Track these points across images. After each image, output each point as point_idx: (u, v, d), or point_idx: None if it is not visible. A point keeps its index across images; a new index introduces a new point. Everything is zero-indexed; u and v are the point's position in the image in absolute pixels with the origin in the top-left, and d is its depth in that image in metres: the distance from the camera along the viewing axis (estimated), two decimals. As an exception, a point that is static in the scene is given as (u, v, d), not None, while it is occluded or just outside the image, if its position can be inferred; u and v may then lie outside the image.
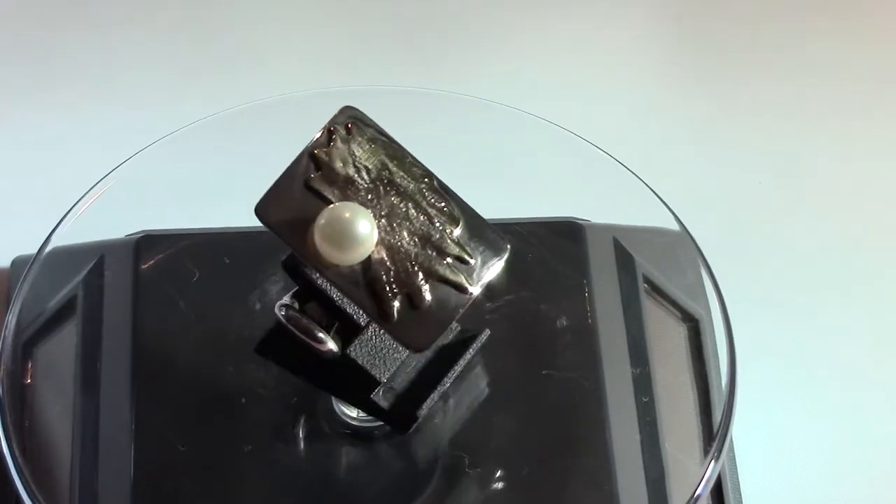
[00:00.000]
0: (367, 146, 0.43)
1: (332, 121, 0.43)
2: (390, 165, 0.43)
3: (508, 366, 0.50)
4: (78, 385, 0.50)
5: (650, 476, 0.48)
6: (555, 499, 0.48)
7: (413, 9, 0.71)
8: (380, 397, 0.46)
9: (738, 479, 0.53)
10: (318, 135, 0.43)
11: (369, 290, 0.42)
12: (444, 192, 0.44)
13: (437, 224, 0.43)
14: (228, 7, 0.71)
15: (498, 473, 0.48)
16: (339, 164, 0.43)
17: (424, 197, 0.43)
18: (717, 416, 0.49)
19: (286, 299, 0.44)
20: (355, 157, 0.43)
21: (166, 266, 0.53)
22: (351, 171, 0.43)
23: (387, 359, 0.45)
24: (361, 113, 0.44)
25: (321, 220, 0.42)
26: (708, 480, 0.47)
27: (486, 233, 0.44)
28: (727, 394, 0.48)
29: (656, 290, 0.53)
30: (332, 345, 0.44)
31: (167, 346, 0.51)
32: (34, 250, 0.52)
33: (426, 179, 0.44)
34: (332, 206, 0.42)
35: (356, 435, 0.49)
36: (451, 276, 0.43)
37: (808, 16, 0.71)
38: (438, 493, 0.48)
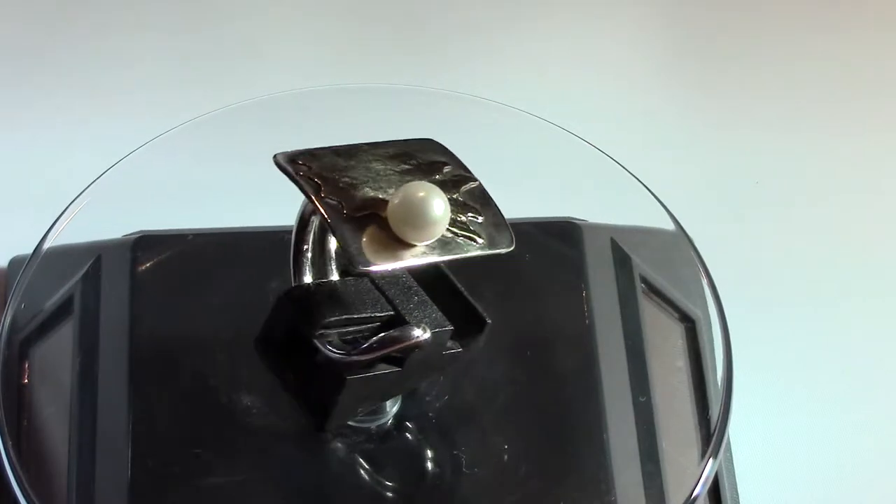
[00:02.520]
0: (325, 161, 0.44)
1: (299, 179, 0.43)
2: (348, 156, 0.44)
3: (505, 365, 0.50)
4: (75, 385, 0.50)
5: (647, 476, 0.48)
6: (552, 498, 0.48)
7: (413, 8, 0.71)
8: (452, 344, 0.47)
9: (734, 478, 0.53)
10: (306, 188, 0.43)
11: (465, 238, 0.44)
12: (382, 143, 0.45)
13: (413, 162, 0.45)
14: (227, 5, 0.71)
15: (495, 473, 0.48)
16: (339, 187, 0.43)
17: (386, 154, 0.45)
18: (715, 415, 0.49)
19: (331, 347, 0.45)
20: (332, 173, 0.44)
21: (164, 266, 0.53)
22: (347, 180, 0.43)
23: (435, 314, 0.46)
24: (286, 152, 0.44)
25: (395, 199, 0.43)
26: (706, 480, 0.47)
27: (422, 144, 0.46)
28: (724, 393, 0.48)
29: (653, 290, 0.53)
30: (428, 332, 0.45)
31: (164, 347, 0.51)
32: (32, 250, 0.52)
33: (365, 146, 0.45)
34: (404, 186, 0.43)
35: (354, 434, 0.49)
36: (464, 182, 0.45)
37: (806, 16, 0.71)
38: (435, 493, 0.48)
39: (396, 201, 0.43)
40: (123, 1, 0.70)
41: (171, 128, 0.55)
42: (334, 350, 0.45)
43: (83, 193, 0.53)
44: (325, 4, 0.71)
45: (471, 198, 0.45)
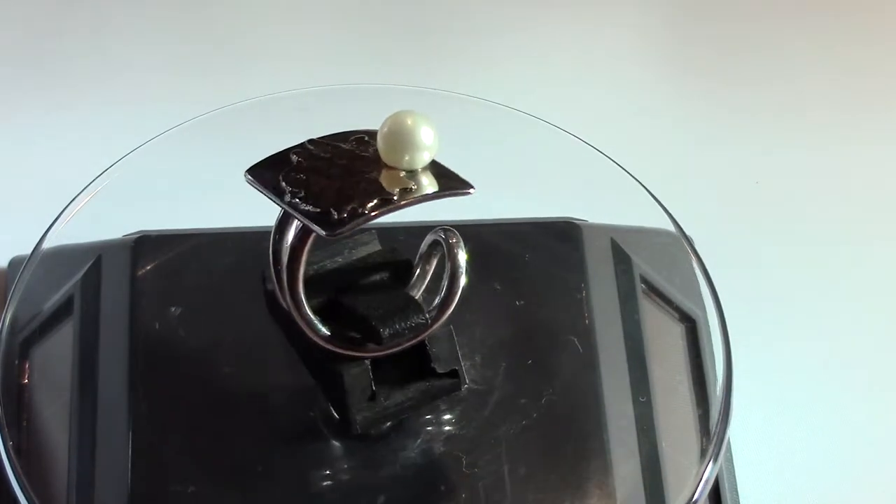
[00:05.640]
0: (324, 193, 0.44)
1: (366, 214, 0.43)
2: (293, 181, 0.44)
3: (504, 366, 0.50)
4: (75, 385, 0.50)
5: (648, 477, 0.48)
6: (552, 499, 0.48)
7: (412, 8, 0.71)
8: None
9: (735, 480, 0.53)
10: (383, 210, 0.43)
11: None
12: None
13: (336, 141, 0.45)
14: (227, 4, 0.71)
15: (495, 474, 0.48)
16: (354, 191, 0.43)
17: (317, 152, 0.45)
18: (715, 416, 0.49)
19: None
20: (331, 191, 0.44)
21: (164, 266, 0.53)
22: (344, 189, 0.44)
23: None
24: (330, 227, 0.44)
25: (384, 128, 0.43)
26: (706, 483, 0.47)
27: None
28: (723, 395, 0.48)
29: (653, 291, 0.53)
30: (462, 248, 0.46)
31: (164, 347, 0.51)
32: (31, 250, 0.52)
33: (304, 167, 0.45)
34: (393, 114, 0.43)
35: (353, 435, 0.49)
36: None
37: (805, 15, 0.71)
38: (435, 493, 0.48)
39: (386, 131, 0.43)
40: (123, 1, 0.70)
41: (171, 128, 0.55)
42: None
43: (83, 193, 0.53)
44: (326, 4, 0.71)
45: None
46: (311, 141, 0.45)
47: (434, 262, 0.47)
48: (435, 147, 0.43)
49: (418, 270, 0.47)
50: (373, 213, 0.42)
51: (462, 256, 0.45)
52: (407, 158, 0.43)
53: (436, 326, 0.45)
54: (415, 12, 0.71)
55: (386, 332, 0.45)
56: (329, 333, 0.45)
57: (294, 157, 0.45)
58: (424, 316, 0.45)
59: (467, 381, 0.48)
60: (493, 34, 0.70)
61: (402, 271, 0.47)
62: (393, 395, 0.46)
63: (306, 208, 0.43)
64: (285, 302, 0.45)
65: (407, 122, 0.43)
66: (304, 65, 0.68)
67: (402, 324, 0.45)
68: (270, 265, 0.45)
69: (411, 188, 0.42)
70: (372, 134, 0.45)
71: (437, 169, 0.43)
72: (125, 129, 0.63)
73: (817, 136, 0.67)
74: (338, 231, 0.42)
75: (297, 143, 0.45)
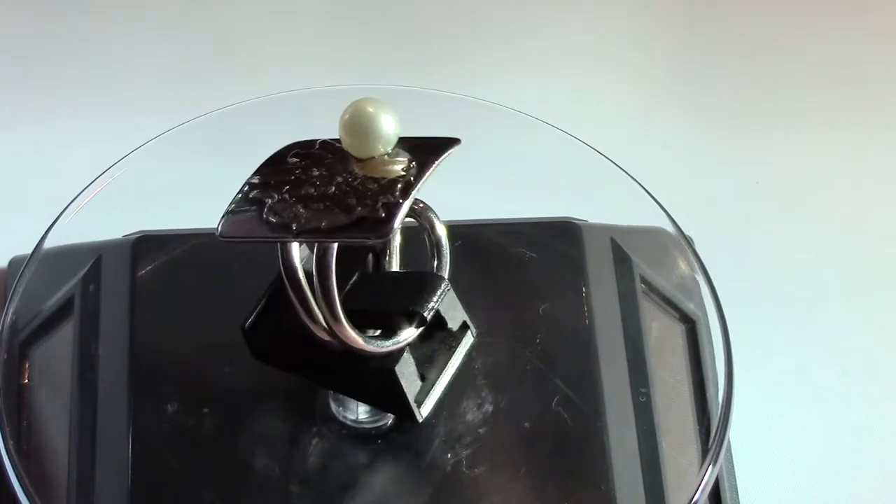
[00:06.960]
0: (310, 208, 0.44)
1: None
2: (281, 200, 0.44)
3: (505, 366, 0.50)
4: (75, 386, 0.50)
5: (647, 477, 0.48)
6: (552, 500, 0.48)
7: (412, 8, 0.71)
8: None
9: (735, 481, 0.53)
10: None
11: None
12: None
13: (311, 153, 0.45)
14: (227, 5, 0.71)
15: (495, 474, 0.48)
16: (340, 196, 0.43)
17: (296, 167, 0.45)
18: (715, 416, 0.49)
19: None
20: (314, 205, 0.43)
21: (164, 267, 0.53)
22: (330, 191, 0.43)
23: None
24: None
25: (347, 124, 0.43)
26: (706, 485, 0.47)
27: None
28: (724, 396, 0.48)
29: (653, 291, 0.53)
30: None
31: (165, 348, 0.51)
32: (31, 250, 0.52)
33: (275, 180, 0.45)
34: (348, 109, 0.43)
35: (352, 435, 0.49)
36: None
37: (807, 16, 0.71)
38: (435, 493, 0.48)
39: (348, 120, 0.43)
40: (123, 0, 0.70)
41: (171, 128, 0.55)
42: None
43: (83, 193, 0.53)
44: (325, 5, 0.71)
45: None
46: (255, 174, 0.45)
47: (399, 236, 0.46)
48: (398, 124, 0.43)
49: (389, 249, 0.46)
50: (405, 201, 0.41)
51: (437, 218, 0.45)
52: (382, 142, 0.43)
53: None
54: (415, 13, 0.71)
55: (426, 311, 0.44)
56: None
57: (256, 194, 0.44)
58: (445, 280, 0.45)
59: (476, 330, 0.48)
60: (493, 35, 0.70)
61: (375, 257, 0.47)
62: (428, 371, 0.47)
63: (328, 227, 0.42)
64: (324, 330, 0.44)
65: (367, 110, 0.43)
66: (305, 65, 0.68)
67: (434, 297, 0.45)
68: (293, 300, 0.44)
69: (410, 164, 0.42)
70: (304, 144, 0.45)
71: (406, 142, 0.43)
72: (125, 129, 0.63)
73: (817, 136, 0.66)
74: (386, 230, 0.41)
75: (242, 185, 0.44)
